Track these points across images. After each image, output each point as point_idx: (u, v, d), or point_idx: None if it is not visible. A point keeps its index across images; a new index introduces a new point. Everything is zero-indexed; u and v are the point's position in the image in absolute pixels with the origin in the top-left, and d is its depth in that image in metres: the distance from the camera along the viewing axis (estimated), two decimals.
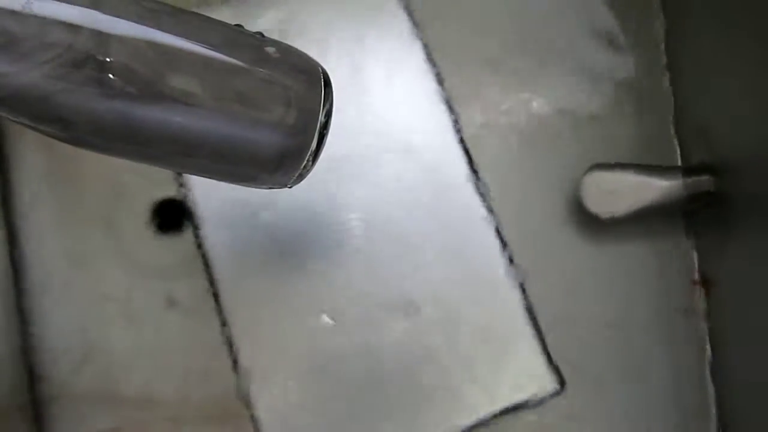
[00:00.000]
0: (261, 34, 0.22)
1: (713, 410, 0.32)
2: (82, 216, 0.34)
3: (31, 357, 0.32)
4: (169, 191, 0.33)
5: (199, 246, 0.33)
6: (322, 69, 0.23)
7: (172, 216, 0.33)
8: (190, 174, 0.24)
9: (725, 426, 0.32)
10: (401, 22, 0.34)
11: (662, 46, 0.34)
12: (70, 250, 0.33)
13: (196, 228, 0.33)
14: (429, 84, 0.34)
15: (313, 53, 0.23)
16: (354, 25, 0.34)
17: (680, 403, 0.32)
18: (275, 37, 0.22)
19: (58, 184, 0.34)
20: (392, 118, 0.33)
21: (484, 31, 0.35)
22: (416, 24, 0.34)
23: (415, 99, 0.33)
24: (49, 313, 0.33)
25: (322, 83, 0.23)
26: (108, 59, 0.17)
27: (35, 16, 0.16)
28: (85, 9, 0.17)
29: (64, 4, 0.17)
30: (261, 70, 0.21)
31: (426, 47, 0.34)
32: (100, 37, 0.17)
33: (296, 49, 0.23)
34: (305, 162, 0.24)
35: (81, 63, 0.17)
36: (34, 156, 0.34)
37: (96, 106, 0.18)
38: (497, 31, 0.35)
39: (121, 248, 0.33)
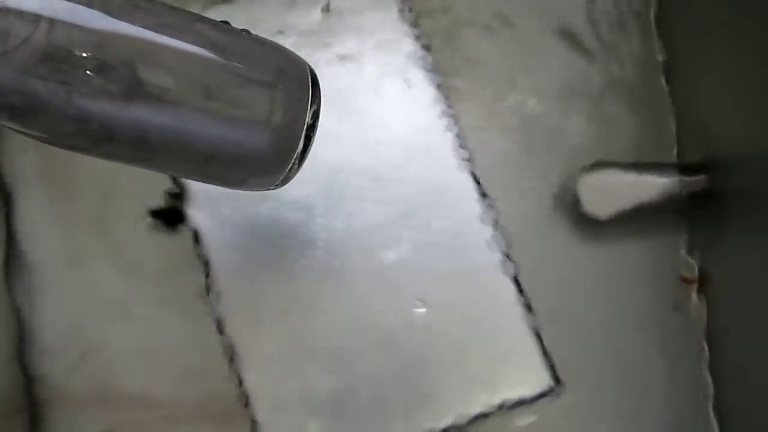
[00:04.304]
0: (247, 31, 0.21)
1: (710, 409, 0.32)
2: (77, 216, 0.34)
3: (26, 359, 0.32)
4: (165, 189, 0.33)
5: (196, 245, 0.33)
6: (310, 68, 0.22)
7: (168, 215, 0.33)
8: (177, 176, 0.23)
9: (723, 425, 0.31)
10: (394, 16, 0.34)
11: (659, 43, 0.34)
12: (66, 250, 0.33)
13: (192, 226, 0.33)
14: (426, 85, 0.33)
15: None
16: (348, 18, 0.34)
17: (677, 402, 0.32)
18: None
19: (52, 184, 0.34)
20: (387, 119, 0.33)
21: (479, 31, 0.34)
22: (411, 22, 0.34)
23: (410, 98, 0.33)
24: (45, 314, 0.33)
25: (310, 83, 0.21)
26: (79, 53, 0.16)
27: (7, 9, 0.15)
28: (58, 1, 0.16)
29: None
30: (245, 67, 0.20)
31: (420, 45, 0.34)
32: (71, 28, 0.16)
33: (283, 47, 0.22)
34: (291, 164, 0.23)
35: (50, 56, 0.16)
36: (28, 156, 0.34)
37: (70, 101, 0.17)
38: (492, 31, 0.34)
39: (116, 247, 0.33)
